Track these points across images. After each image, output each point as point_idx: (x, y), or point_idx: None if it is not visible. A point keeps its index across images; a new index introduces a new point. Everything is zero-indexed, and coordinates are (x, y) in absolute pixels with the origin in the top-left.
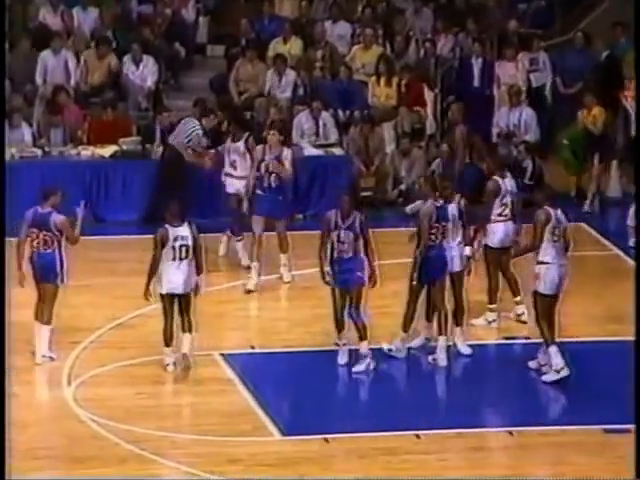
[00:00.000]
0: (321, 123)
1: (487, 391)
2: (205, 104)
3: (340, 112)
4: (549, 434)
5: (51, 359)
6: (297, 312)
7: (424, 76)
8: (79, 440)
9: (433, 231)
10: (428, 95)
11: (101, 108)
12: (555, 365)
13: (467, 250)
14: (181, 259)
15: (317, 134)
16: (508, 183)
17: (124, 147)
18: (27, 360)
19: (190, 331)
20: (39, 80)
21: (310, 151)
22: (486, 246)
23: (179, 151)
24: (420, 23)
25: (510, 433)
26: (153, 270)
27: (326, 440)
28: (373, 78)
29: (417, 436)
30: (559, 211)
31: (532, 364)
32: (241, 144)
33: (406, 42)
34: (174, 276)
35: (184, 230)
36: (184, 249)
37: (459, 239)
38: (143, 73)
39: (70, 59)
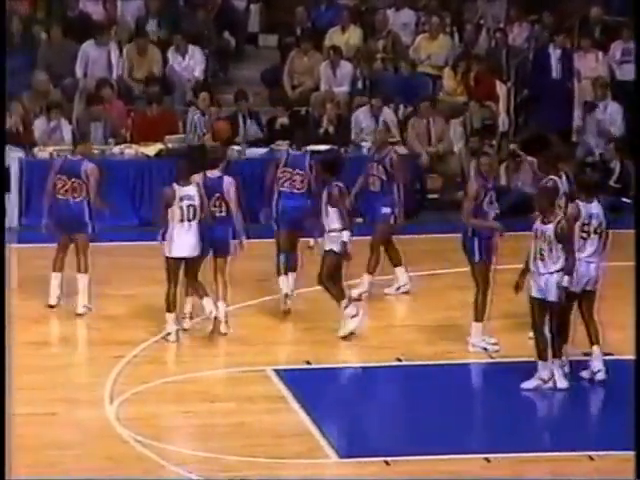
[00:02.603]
0: (381, 120)
1: (565, 411)
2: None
3: (402, 107)
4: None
5: (89, 309)
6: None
7: (495, 68)
8: (122, 462)
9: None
10: (500, 89)
11: (145, 103)
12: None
13: (565, 280)
14: (189, 220)
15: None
16: (565, 183)
17: (170, 145)
18: (65, 377)
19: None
20: (80, 73)
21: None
22: None
23: (199, 149)
24: (492, 10)
25: (590, 458)
26: (162, 231)
27: (387, 463)
28: (448, 70)
29: (487, 460)
30: (593, 205)
31: (585, 374)
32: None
33: (477, 31)
34: (183, 239)
35: (191, 190)
36: (191, 209)
37: (559, 266)
38: (189, 65)
39: (113, 51)
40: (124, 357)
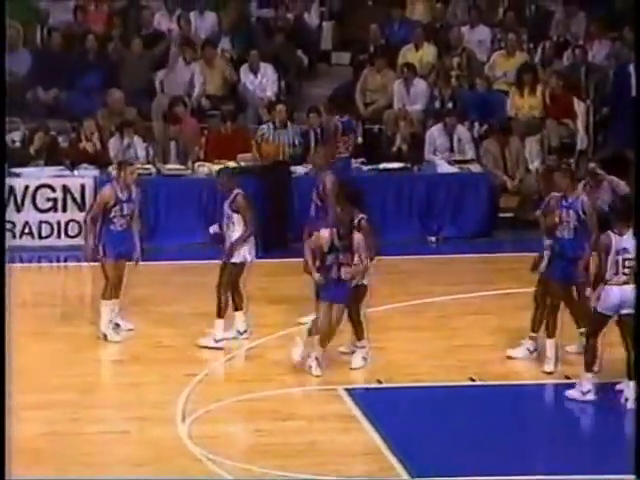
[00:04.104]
0: (456, 138)
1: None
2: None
3: (477, 125)
4: None
5: (105, 337)
6: (427, 343)
7: (574, 85)
8: None
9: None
10: (579, 106)
11: (219, 121)
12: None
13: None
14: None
15: (452, 150)
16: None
17: (242, 164)
18: (137, 395)
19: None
20: (158, 88)
21: (444, 168)
22: None
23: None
24: (572, 27)
25: None
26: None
27: None
28: (514, 87)
29: None
30: (625, 238)
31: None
32: None
33: (556, 48)
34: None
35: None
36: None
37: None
38: (262, 83)
39: (197, 69)
40: (196, 375)
